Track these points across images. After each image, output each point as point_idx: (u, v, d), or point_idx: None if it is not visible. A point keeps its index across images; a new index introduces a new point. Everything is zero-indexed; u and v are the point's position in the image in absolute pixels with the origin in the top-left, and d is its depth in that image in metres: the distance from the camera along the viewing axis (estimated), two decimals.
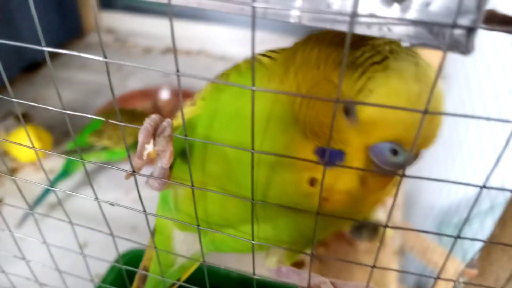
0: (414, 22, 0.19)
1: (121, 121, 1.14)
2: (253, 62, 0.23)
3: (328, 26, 0.20)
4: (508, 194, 1.04)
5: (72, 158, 0.33)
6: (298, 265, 0.79)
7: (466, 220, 0.25)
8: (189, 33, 1.57)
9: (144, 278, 0.52)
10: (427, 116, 0.25)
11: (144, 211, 0.33)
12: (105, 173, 1.03)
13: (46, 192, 0.92)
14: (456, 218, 1.35)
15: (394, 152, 0.27)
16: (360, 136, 0.28)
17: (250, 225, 0.33)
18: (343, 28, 0.20)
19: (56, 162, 1.03)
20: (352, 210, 0.33)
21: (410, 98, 0.26)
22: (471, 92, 1.03)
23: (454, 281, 0.31)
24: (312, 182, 0.31)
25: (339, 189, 0.30)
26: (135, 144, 1.11)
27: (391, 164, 0.27)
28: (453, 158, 1.17)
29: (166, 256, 0.47)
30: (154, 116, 0.30)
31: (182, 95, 1.22)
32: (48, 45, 0.25)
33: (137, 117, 1.04)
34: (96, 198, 0.33)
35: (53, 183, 0.93)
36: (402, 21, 0.19)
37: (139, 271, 0.52)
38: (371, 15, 0.19)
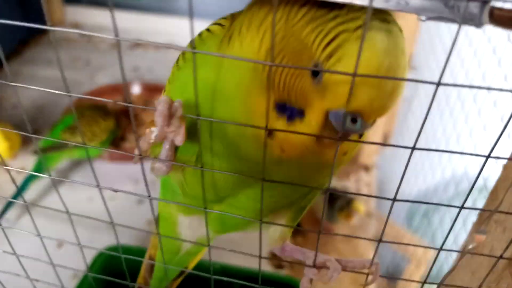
0: None
1: (93, 117, 1.12)
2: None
3: (347, 0, 0.20)
4: (469, 181, 1.07)
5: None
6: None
7: (469, 193, 0.26)
8: (158, 27, 1.55)
9: (151, 268, 0.51)
10: (389, 89, 0.26)
11: (149, 196, 0.33)
12: (78, 171, 1.01)
13: (15, 196, 0.89)
14: (424, 205, 1.39)
15: (353, 121, 0.27)
16: (322, 99, 0.28)
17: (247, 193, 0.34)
18: (364, 2, 0.20)
19: (26, 161, 1.00)
20: (311, 165, 0.33)
21: (378, 71, 0.26)
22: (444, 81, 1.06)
23: (460, 252, 0.32)
24: (270, 133, 0.30)
25: (295, 142, 0.30)
26: (107, 140, 1.09)
27: (348, 130, 0.28)
28: (429, 145, 1.21)
29: (172, 243, 0.46)
30: (165, 98, 0.30)
31: (152, 89, 1.23)
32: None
33: (109, 112, 1.03)
34: (98, 185, 0.33)
35: (24, 184, 0.90)
36: None
37: (145, 261, 0.51)
38: None
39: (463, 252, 0.31)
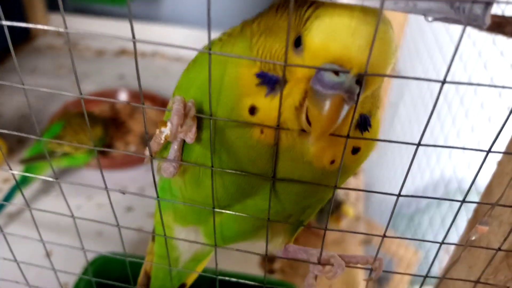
0: None
1: (80, 125, 1.11)
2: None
3: (359, 2, 0.21)
4: (458, 181, 1.09)
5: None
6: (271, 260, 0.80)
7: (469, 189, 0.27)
8: (143, 35, 1.54)
9: (147, 284, 0.51)
10: (365, 34, 0.26)
11: (158, 197, 0.34)
12: (65, 179, 1.00)
13: (2, 205, 0.88)
14: (410, 209, 1.41)
15: (336, 73, 0.26)
16: (304, 64, 0.28)
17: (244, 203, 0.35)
18: (375, 3, 0.21)
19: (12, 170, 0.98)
20: (295, 155, 0.32)
21: (354, 20, 0.26)
22: (430, 87, 1.08)
23: (461, 246, 0.33)
24: (252, 110, 0.30)
25: (275, 116, 0.29)
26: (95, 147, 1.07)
27: (334, 85, 0.26)
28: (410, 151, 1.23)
29: (169, 256, 0.45)
30: (180, 97, 0.31)
31: (139, 96, 1.21)
32: None
33: (96, 120, 1.02)
34: (106, 188, 0.33)
35: (10, 193, 0.89)
36: None
37: (141, 276, 0.51)
38: None
39: (465, 245, 0.32)
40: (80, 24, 1.57)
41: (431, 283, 1.30)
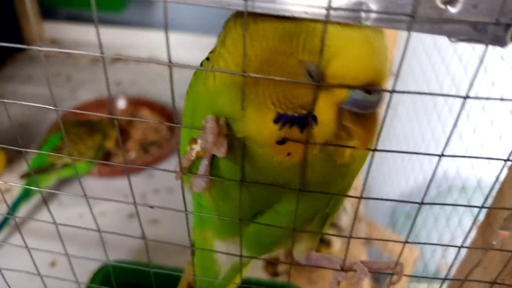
0: (462, 21, 0.22)
1: (79, 134, 1.11)
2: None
3: (389, 26, 0.22)
4: (448, 182, 1.10)
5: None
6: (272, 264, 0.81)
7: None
8: (138, 41, 1.55)
9: None
10: (382, 52, 0.28)
11: (186, 210, 0.34)
12: (67, 188, 1.00)
13: (6, 219, 0.88)
14: (407, 206, 1.43)
15: (368, 93, 0.28)
16: (329, 94, 0.29)
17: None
18: (402, 27, 0.22)
19: (11, 180, 0.98)
20: (328, 169, 0.34)
21: (368, 40, 0.27)
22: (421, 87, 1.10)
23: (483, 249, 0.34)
24: (280, 141, 0.31)
25: (313, 146, 0.31)
26: (95, 156, 1.07)
27: (371, 105, 0.28)
28: (417, 147, 1.24)
29: (210, 269, 0.47)
30: (212, 116, 0.31)
31: (137, 103, 1.23)
32: None
33: (95, 128, 1.02)
34: (134, 202, 0.34)
35: (14, 206, 0.89)
36: (453, 20, 0.22)
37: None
38: (428, 17, 0.22)
39: (486, 248, 0.33)
40: (75, 32, 1.57)
41: (427, 281, 1.31)
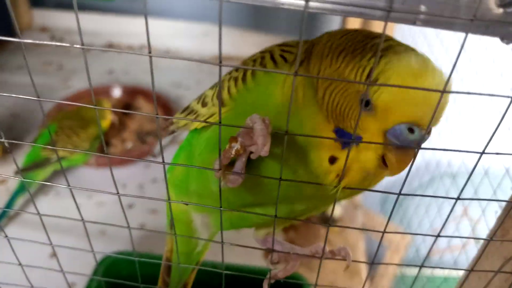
0: None
1: (72, 127, 1.10)
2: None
3: (443, 28, 0.23)
4: (443, 169, 1.12)
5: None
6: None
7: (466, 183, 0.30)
8: (130, 29, 1.53)
9: (168, 271, 0.55)
10: (438, 95, 0.29)
11: (169, 199, 0.36)
12: (63, 180, 1.00)
13: (3, 213, 0.88)
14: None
15: (411, 131, 0.31)
16: (377, 122, 0.32)
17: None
18: (457, 29, 0.23)
19: (6, 171, 0.98)
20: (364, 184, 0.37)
21: (420, 76, 0.30)
22: None
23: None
24: (332, 160, 0.34)
25: (357, 167, 0.34)
26: (91, 148, 1.07)
27: (409, 142, 0.31)
28: None
29: (189, 240, 0.50)
30: (258, 116, 0.33)
31: (132, 92, 1.23)
32: None
33: (88, 120, 1.01)
34: (169, 200, 0.36)
35: (11, 200, 0.89)
36: (508, 23, 0.23)
37: (163, 263, 0.55)
38: (487, 20, 0.23)
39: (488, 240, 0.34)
40: (64, 20, 1.55)
41: (417, 266, 1.34)
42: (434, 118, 0.30)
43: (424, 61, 0.31)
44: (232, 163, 0.34)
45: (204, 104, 0.43)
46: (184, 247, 0.51)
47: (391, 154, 0.32)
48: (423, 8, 0.23)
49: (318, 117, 0.34)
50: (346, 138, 0.33)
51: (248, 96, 0.38)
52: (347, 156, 0.30)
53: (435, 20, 0.23)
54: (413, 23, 0.23)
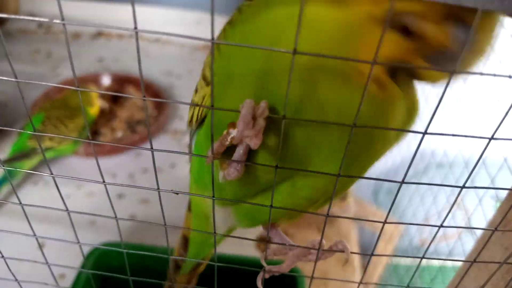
0: None
1: (60, 118, 1.07)
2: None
3: (457, 2, 0.21)
4: (438, 159, 1.12)
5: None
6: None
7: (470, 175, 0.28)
8: (120, 16, 1.49)
9: (185, 246, 0.53)
10: None
11: (158, 188, 0.33)
12: (52, 168, 0.98)
13: None
14: (386, 184, 1.45)
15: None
16: None
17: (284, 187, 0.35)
18: (473, 3, 0.21)
19: None
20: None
21: None
22: None
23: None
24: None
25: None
26: (80, 137, 1.06)
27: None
28: None
29: (205, 228, 0.47)
30: (249, 101, 0.29)
31: (122, 80, 1.21)
32: None
33: (76, 109, 0.99)
34: (158, 189, 0.32)
35: None
36: None
37: (179, 241, 0.54)
38: None
39: (491, 229, 0.33)
40: (53, 7, 1.51)
41: (412, 254, 1.34)
42: None
43: None
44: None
45: (205, 79, 0.39)
46: (200, 235, 0.49)
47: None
48: None
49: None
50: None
51: (241, 25, 0.34)
52: None
53: None
54: None
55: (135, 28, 0.23)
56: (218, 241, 0.49)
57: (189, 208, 0.52)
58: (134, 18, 0.23)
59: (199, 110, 0.39)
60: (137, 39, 0.23)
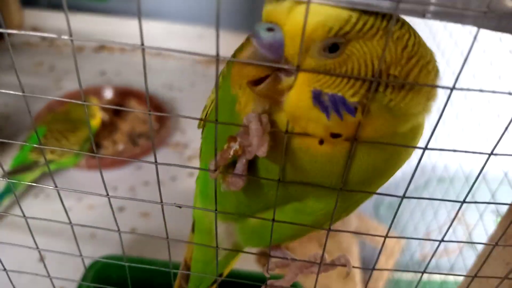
0: None
1: (61, 131, 1.08)
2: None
3: (458, 22, 0.22)
4: (438, 173, 1.12)
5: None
6: None
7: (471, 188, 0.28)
8: (122, 30, 1.51)
9: (187, 276, 0.52)
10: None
11: (161, 201, 0.33)
12: (52, 181, 0.98)
13: None
14: (387, 198, 1.45)
15: (270, 30, 0.28)
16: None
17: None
18: (473, 23, 0.22)
19: None
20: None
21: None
22: None
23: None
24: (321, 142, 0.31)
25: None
26: (81, 150, 1.06)
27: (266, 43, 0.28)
28: None
29: (208, 250, 0.47)
30: (255, 115, 0.30)
31: (124, 93, 1.21)
32: None
33: (77, 123, 0.99)
34: (161, 202, 0.33)
35: None
36: None
37: (181, 268, 0.53)
38: (501, 13, 0.21)
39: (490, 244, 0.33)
40: (56, 21, 1.52)
41: (413, 269, 1.33)
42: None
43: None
44: (233, 164, 0.32)
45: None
46: (203, 255, 0.48)
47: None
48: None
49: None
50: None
51: (225, 82, 0.37)
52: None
53: (446, 12, 0.22)
54: (423, 15, 0.22)
55: (142, 44, 0.23)
56: (223, 264, 0.49)
57: (193, 229, 0.51)
58: (141, 35, 0.23)
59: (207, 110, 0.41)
60: (143, 56, 0.23)
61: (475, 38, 0.20)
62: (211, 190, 0.41)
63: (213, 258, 0.47)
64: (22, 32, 0.25)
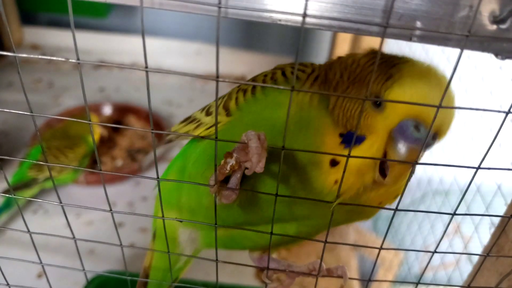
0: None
1: (60, 148, 1.09)
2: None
3: (438, 44, 0.23)
4: (434, 187, 1.12)
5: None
6: None
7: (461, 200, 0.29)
8: (121, 47, 1.53)
9: (145, 284, 0.53)
10: (447, 102, 0.31)
11: (163, 216, 0.36)
12: (52, 197, 0.98)
13: None
14: (385, 212, 1.45)
15: (416, 128, 0.31)
16: (385, 119, 0.32)
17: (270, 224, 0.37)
18: (452, 45, 0.24)
19: None
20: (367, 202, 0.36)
21: (431, 82, 0.31)
22: None
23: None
24: (333, 162, 0.34)
25: (354, 168, 0.33)
26: (80, 166, 1.04)
27: (414, 140, 0.31)
28: None
29: (171, 256, 0.48)
30: (254, 133, 0.32)
31: (122, 110, 1.22)
32: None
33: (76, 139, 1.00)
34: (163, 217, 0.35)
35: None
36: (502, 39, 0.23)
37: (140, 275, 0.53)
38: (482, 36, 0.23)
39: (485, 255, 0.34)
40: (55, 38, 1.54)
41: (413, 284, 1.33)
42: (442, 121, 0.30)
43: (429, 65, 0.32)
44: (226, 178, 0.34)
45: (208, 114, 0.43)
46: (165, 263, 0.50)
47: (393, 153, 0.32)
48: (418, 24, 0.23)
49: (326, 120, 0.35)
50: (350, 139, 0.33)
51: (255, 105, 0.38)
52: (349, 153, 0.30)
53: (430, 36, 0.23)
54: (409, 39, 0.23)
55: (146, 67, 0.25)
56: (181, 269, 0.51)
57: (154, 237, 0.53)
58: (145, 58, 0.25)
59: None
60: (147, 78, 0.25)
61: (458, 60, 0.21)
62: (181, 199, 0.44)
63: (174, 264, 0.49)
64: (31, 55, 0.26)
